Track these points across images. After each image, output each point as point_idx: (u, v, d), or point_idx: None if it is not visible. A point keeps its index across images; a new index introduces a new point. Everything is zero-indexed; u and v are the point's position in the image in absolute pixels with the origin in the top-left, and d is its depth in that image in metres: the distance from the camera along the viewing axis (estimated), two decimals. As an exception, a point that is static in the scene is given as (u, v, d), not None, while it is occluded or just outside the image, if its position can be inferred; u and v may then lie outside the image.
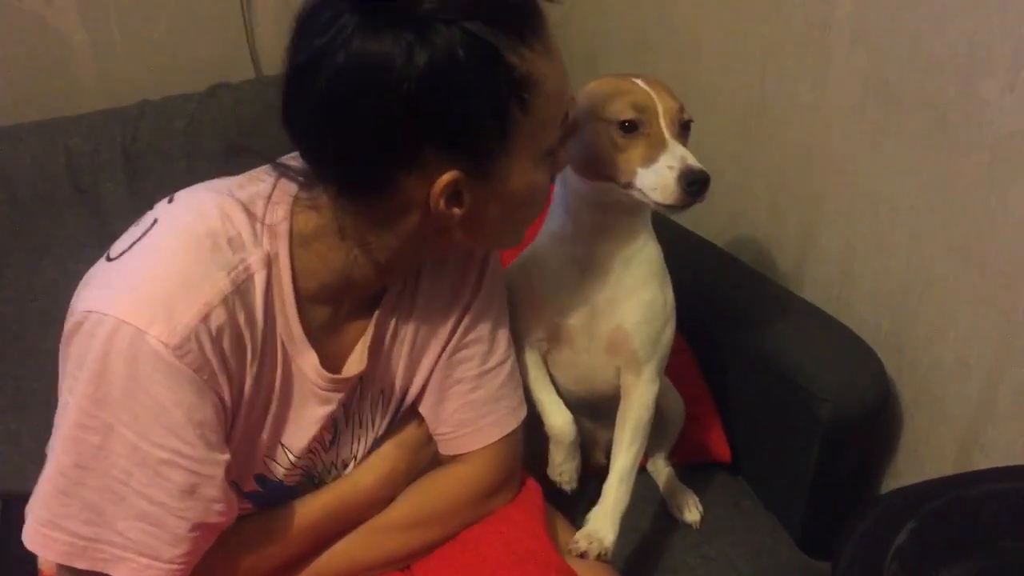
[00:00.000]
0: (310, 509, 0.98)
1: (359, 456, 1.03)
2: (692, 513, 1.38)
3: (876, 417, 1.37)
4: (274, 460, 0.94)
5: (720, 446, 1.47)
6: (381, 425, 1.03)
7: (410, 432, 1.06)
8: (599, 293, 1.15)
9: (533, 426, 1.24)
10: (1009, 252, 1.20)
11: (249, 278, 0.83)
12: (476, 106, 0.77)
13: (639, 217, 1.15)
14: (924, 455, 1.39)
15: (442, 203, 0.80)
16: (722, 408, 1.49)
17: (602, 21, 1.96)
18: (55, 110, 1.56)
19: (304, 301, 0.88)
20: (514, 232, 0.95)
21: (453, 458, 1.07)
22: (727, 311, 1.49)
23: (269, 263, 0.84)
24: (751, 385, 1.45)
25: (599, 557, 1.09)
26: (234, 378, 0.84)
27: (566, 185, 1.15)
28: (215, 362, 0.81)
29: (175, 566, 0.83)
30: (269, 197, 0.86)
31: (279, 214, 0.86)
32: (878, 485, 1.49)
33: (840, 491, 1.39)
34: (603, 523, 1.12)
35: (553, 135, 0.86)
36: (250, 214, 0.85)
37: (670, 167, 1.03)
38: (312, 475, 1.00)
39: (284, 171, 0.87)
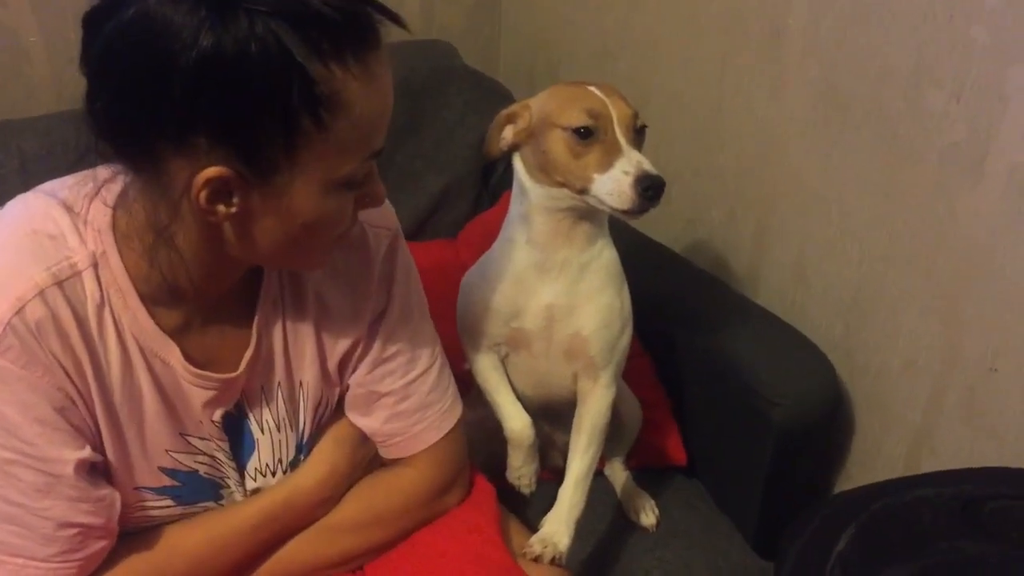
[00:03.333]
0: (250, 513, 0.97)
1: (287, 460, 1.01)
2: (648, 516, 1.39)
3: (828, 420, 1.40)
4: (181, 452, 0.93)
5: (676, 450, 1.48)
6: (305, 429, 1.01)
7: (347, 429, 1.05)
8: (556, 299, 1.16)
9: (491, 429, 1.25)
10: (955, 259, 1.23)
11: (76, 276, 0.81)
12: (259, 108, 0.72)
13: (595, 223, 1.15)
14: (875, 457, 1.42)
15: (203, 196, 0.75)
16: (678, 412, 1.50)
17: (564, 30, 1.97)
18: (8, 112, 1.53)
19: (148, 302, 0.85)
20: (299, 255, 0.87)
21: (396, 459, 1.06)
22: (683, 316, 1.50)
23: (96, 262, 0.82)
24: (707, 389, 1.46)
25: (553, 561, 1.09)
26: (73, 375, 0.82)
27: (523, 191, 1.16)
28: (43, 357, 0.79)
29: (53, 565, 0.83)
30: (94, 196, 0.83)
31: (101, 213, 0.83)
32: (831, 487, 1.51)
33: (794, 493, 1.41)
34: (558, 527, 1.13)
35: (352, 165, 0.78)
36: (73, 214, 0.83)
37: (626, 172, 1.05)
38: (226, 480, 0.98)
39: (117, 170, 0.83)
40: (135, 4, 0.70)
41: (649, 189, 1.04)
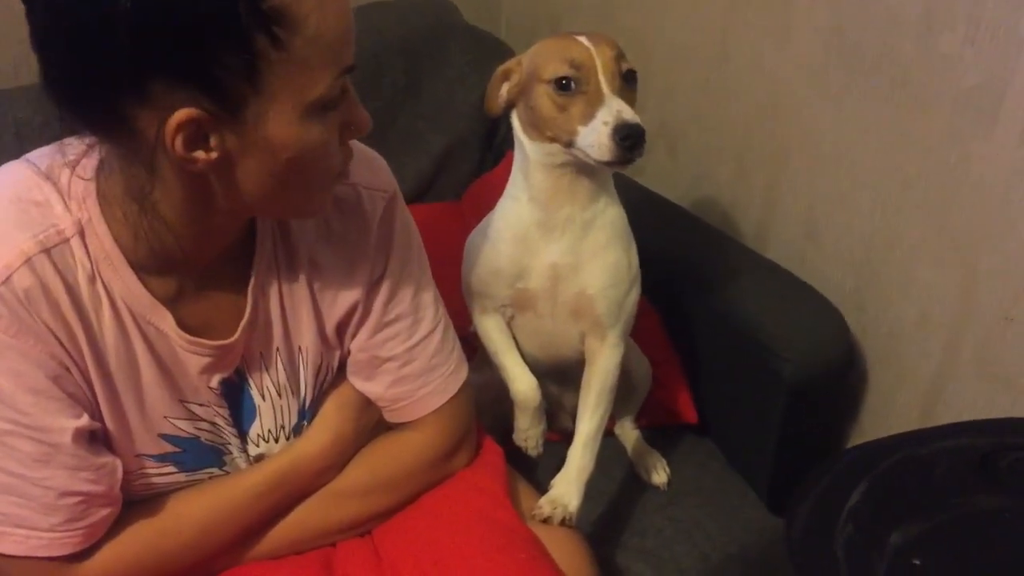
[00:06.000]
0: (256, 480, 0.96)
1: (290, 425, 1.00)
2: (659, 475, 1.38)
3: (840, 376, 1.38)
4: (180, 418, 0.92)
5: (687, 408, 1.47)
6: (307, 394, 1.00)
7: (350, 394, 1.03)
8: (561, 257, 1.14)
9: (498, 391, 1.23)
10: (970, 209, 1.20)
11: (63, 243, 0.80)
12: (208, 36, 0.68)
13: (597, 179, 1.13)
14: (888, 412, 1.40)
15: (179, 143, 0.72)
16: (688, 370, 1.49)
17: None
18: (2, 81, 1.51)
19: (138, 269, 0.84)
20: (292, 198, 0.83)
21: (402, 423, 1.05)
22: (692, 273, 1.48)
23: (83, 229, 0.81)
24: (717, 346, 1.45)
25: (563, 522, 1.09)
26: (65, 342, 0.81)
27: (521, 148, 1.14)
28: (34, 326, 0.78)
29: (57, 534, 0.83)
30: (76, 162, 0.82)
31: (85, 179, 0.81)
32: (843, 442, 1.50)
33: (806, 450, 1.40)
34: (568, 488, 1.12)
35: (323, 84, 0.75)
36: (53, 182, 0.81)
37: (605, 123, 1.02)
38: (228, 447, 0.98)
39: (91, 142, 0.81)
40: None
41: (627, 139, 1.00)
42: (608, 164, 1.03)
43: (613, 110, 1.02)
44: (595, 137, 1.02)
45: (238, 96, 0.72)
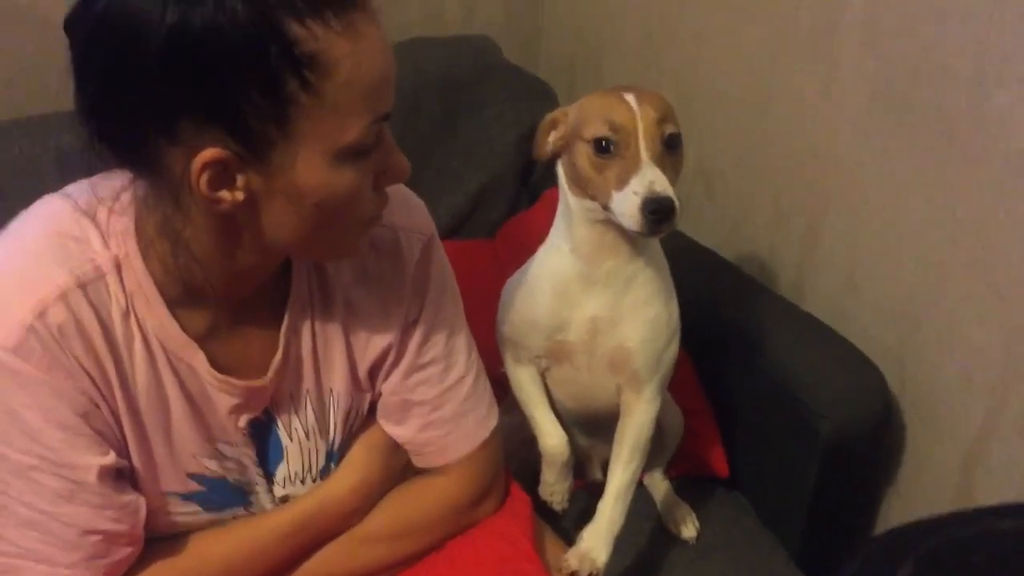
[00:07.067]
0: (281, 521, 0.95)
1: (317, 468, 0.99)
2: (689, 529, 1.35)
3: (877, 434, 1.35)
4: (208, 457, 0.91)
5: (719, 461, 1.44)
6: (335, 437, 0.99)
7: (379, 436, 1.02)
8: (601, 311, 1.12)
9: (526, 436, 1.22)
10: (1018, 267, 1.17)
11: (100, 278, 0.80)
12: (238, 78, 0.69)
13: (640, 235, 1.11)
14: (926, 473, 1.36)
15: (203, 182, 0.72)
16: (721, 422, 1.46)
17: (607, 23, 1.92)
18: (44, 106, 1.52)
19: (173, 306, 0.83)
20: (322, 242, 0.83)
21: (430, 468, 1.04)
22: (729, 324, 1.46)
23: (119, 264, 0.80)
24: (751, 399, 1.42)
25: (590, 577, 1.06)
26: (96, 379, 0.80)
27: (565, 199, 1.12)
28: (66, 361, 0.78)
29: (77, 571, 0.82)
30: (116, 198, 0.82)
31: (123, 216, 0.81)
32: (879, 504, 1.46)
33: (840, 509, 1.36)
34: (596, 542, 1.10)
35: (356, 130, 0.74)
36: (91, 217, 0.81)
37: (636, 192, 0.99)
38: (254, 487, 0.96)
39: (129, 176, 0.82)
40: None
41: (654, 213, 0.98)
42: (638, 234, 1.01)
43: (646, 180, 0.99)
44: (626, 206, 1.00)
45: (265, 139, 0.72)
